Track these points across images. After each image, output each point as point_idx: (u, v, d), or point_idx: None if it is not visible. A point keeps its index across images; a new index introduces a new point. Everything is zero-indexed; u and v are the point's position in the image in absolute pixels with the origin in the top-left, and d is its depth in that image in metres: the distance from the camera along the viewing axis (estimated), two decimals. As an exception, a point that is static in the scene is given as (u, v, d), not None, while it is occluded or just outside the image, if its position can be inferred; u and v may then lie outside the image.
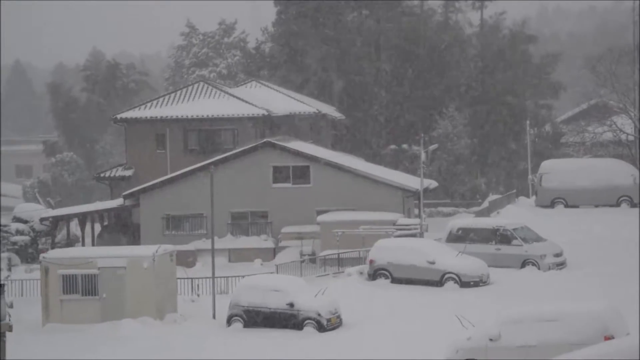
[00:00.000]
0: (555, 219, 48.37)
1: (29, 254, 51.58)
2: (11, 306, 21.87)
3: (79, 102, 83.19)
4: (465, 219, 47.06)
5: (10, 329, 19.58)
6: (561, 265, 40.62)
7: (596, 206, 51.41)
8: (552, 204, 52.10)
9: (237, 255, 48.82)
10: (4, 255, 50.20)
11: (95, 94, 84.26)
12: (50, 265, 36.94)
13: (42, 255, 39.00)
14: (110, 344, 33.26)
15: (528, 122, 64.60)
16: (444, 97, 69.35)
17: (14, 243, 52.12)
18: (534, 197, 55.15)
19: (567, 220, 47.76)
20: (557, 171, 52.42)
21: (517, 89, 70.84)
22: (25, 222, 53.40)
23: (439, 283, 38.53)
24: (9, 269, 48.26)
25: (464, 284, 38.35)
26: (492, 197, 58.49)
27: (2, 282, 22.49)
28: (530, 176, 60.04)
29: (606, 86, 61.82)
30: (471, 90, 70.99)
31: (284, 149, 50.52)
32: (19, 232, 52.81)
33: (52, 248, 47.19)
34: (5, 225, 53.29)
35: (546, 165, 53.52)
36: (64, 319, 36.34)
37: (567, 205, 51.84)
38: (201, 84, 59.86)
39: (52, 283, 36.73)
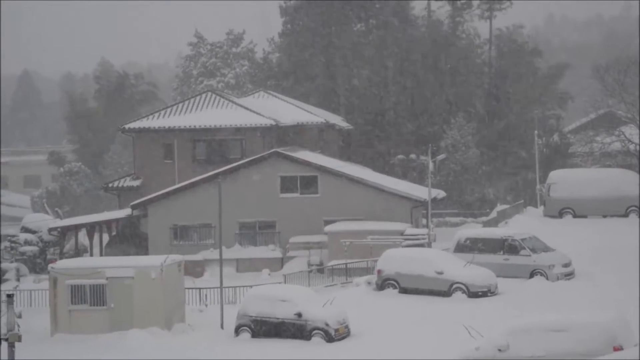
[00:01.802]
0: (564, 229, 48.29)
1: (37, 264, 51.66)
2: (20, 316, 21.90)
3: (91, 112, 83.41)
4: (473, 229, 47.01)
5: (19, 339, 19.60)
6: (569, 275, 40.53)
7: (604, 216, 51.31)
8: (560, 214, 52.02)
9: (245, 265, 48.84)
10: (13, 265, 50.27)
11: (104, 104, 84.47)
12: (59, 276, 36.99)
13: (50, 265, 39.05)
14: (118, 354, 33.27)
15: (536, 132, 64.56)
16: (452, 108, 69.36)
17: (23, 253, 52.20)
18: (542, 207, 55.07)
19: (576, 231, 47.68)
20: (565, 181, 52.35)
21: (525, 99, 70.84)
22: (34, 232, 53.50)
23: (447, 293, 38.47)
24: (18, 279, 48.34)
25: (472, 294, 38.29)
26: (500, 207, 58.43)
27: (10, 293, 22.51)
28: (538, 186, 59.98)
29: (614, 96, 61.74)
30: (479, 101, 70.99)
31: (291, 159, 50.57)
32: (27, 243, 52.90)
33: (61, 258, 47.27)
34: (13, 236, 53.38)
35: (554, 175, 53.45)
36: (73, 329, 36.38)
37: (575, 216, 51.75)
38: (209, 94, 59.96)
39: (61, 293, 36.78)
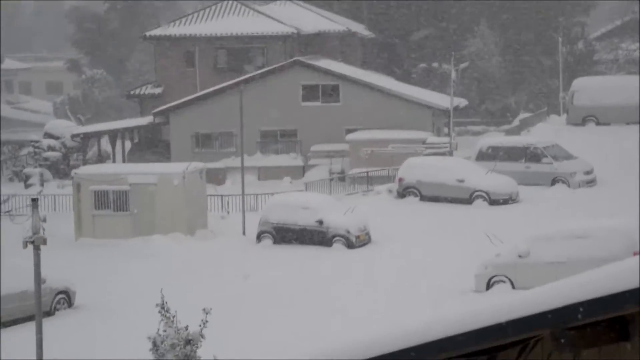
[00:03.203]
0: (586, 136, 48.08)
1: (60, 169, 52.00)
2: (44, 220, 22.15)
3: (105, 21, 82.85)
4: (496, 138, 46.89)
5: (44, 242, 19.87)
6: (591, 182, 40.50)
7: (627, 124, 50.96)
8: (583, 122, 51.73)
9: (267, 173, 49.00)
10: (37, 170, 50.66)
11: (123, 11, 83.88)
12: (82, 181, 37.29)
13: (74, 171, 39.36)
14: (141, 258, 33.70)
15: (560, 39, 63.81)
16: (476, 14, 68.49)
17: (46, 159, 52.51)
18: (565, 115, 54.75)
19: (598, 138, 47.47)
20: (589, 89, 51.90)
21: (549, 5, 69.79)
22: (57, 138, 53.72)
23: (468, 201, 38.57)
24: (42, 184, 48.74)
25: (493, 201, 38.38)
26: (523, 115, 58.11)
27: (35, 197, 22.75)
28: (561, 94, 59.52)
29: (640, 2, 60.73)
30: (503, 8, 70.03)
31: (313, 68, 50.29)
32: (50, 148, 53.17)
33: (84, 164, 47.55)
34: (37, 141, 53.67)
35: (578, 83, 52.99)
36: (96, 234, 36.81)
37: (598, 123, 51.43)
38: (231, 1, 59.39)
39: (84, 199, 37.12)
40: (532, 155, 40.95)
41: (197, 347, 13.03)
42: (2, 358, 23.95)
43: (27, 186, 48.91)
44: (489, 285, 27.17)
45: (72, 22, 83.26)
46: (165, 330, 13.06)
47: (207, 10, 58.43)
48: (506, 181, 39.01)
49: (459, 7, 69.42)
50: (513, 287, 26.78)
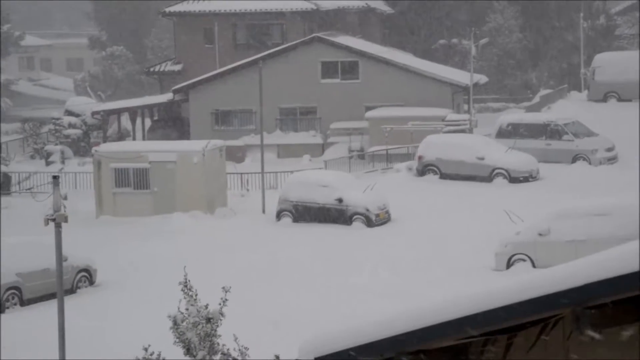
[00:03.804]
0: (608, 113, 47.80)
1: (81, 147, 52.20)
2: (65, 198, 22.25)
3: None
4: (516, 114, 46.68)
5: (65, 219, 19.96)
6: (612, 159, 40.31)
7: (649, 100, 50.62)
8: (604, 98, 51.42)
9: (286, 151, 49.02)
10: (57, 148, 50.86)
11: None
12: (103, 159, 37.43)
13: (94, 148, 39.49)
14: (161, 236, 33.83)
15: (581, 14, 63.34)
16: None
17: (67, 136, 52.71)
18: (586, 92, 54.44)
19: (620, 115, 47.18)
20: (610, 64, 51.57)
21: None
22: (77, 115, 53.89)
23: (488, 179, 38.48)
24: (62, 162, 48.95)
25: (513, 179, 38.27)
26: (543, 91, 57.82)
27: (56, 174, 22.83)
28: (582, 70, 59.17)
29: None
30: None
31: (332, 44, 50.17)
32: (71, 126, 53.36)
33: (104, 142, 47.73)
34: (57, 119, 53.85)
35: (599, 58, 52.65)
36: (117, 212, 36.98)
37: (620, 99, 51.12)
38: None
39: (105, 176, 37.27)
40: (552, 132, 40.76)
41: (217, 326, 13.09)
42: (24, 336, 24.14)
43: (48, 164, 49.14)
44: (509, 264, 27.14)
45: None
46: (187, 309, 13.12)
47: (226, -14, 58.29)
48: (526, 158, 38.87)
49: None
50: (533, 265, 26.73)
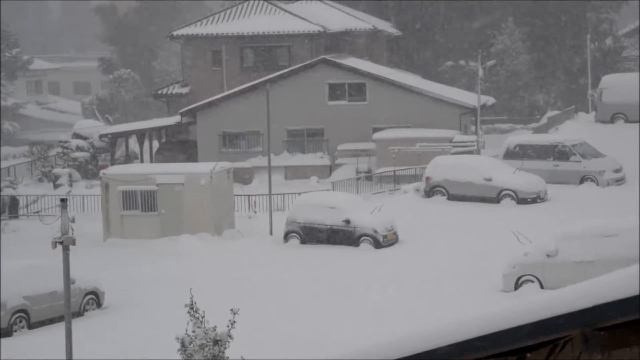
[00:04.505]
0: (615, 134, 47.75)
1: (89, 170, 52.28)
2: (73, 221, 22.27)
3: (133, 21, 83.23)
4: (523, 136, 46.66)
5: (73, 242, 19.96)
6: (620, 181, 40.23)
7: (657, 121, 50.57)
8: (612, 120, 51.38)
9: (293, 173, 49.03)
10: (65, 171, 50.95)
11: (150, 11, 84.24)
12: (110, 181, 37.47)
13: (102, 171, 39.54)
14: (169, 259, 33.81)
15: (589, 36, 63.42)
16: (503, 12, 68.18)
17: (75, 159, 52.80)
18: (593, 113, 54.41)
19: (627, 136, 47.14)
20: (617, 86, 51.55)
21: (578, 2, 69.37)
22: (85, 138, 54.01)
23: (496, 200, 38.42)
24: (70, 185, 49.02)
25: (521, 200, 38.21)
26: (551, 113, 57.80)
27: (64, 197, 22.86)
28: (590, 91, 59.16)
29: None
30: (531, 4, 69.68)
31: (339, 66, 50.27)
32: (79, 149, 53.46)
33: (112, 164, 47.79)
34: (65, 142, 53.96)
35: (607, 80, 52.64)
36: (125, 234, 36.97)
37: (627, 121, 51.07)
38: (257, 0, 59.51)
39: (113, 199, 37.30)
40: (560, 153, 40.72)
41: (225, 348, 13.05)
42: (32, 358, 24.09)
43: (56, 186, 49.21)
44: (517, 285, 27.05)
45: (102, 19, 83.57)
46: (194, 331, 13.09)
47: (234, 9, 58.54)
48: (534, 180, 38.82)
49: (486, 5, 69.16)
50: (542, 286, 26.64)
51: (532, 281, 26.80)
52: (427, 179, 39.86)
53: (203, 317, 13.15)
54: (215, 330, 13.08)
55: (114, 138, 53.20)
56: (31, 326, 27.25)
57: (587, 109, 59.29)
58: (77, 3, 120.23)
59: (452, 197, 39.11)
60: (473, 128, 51.89)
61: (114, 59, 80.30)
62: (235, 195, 39.29)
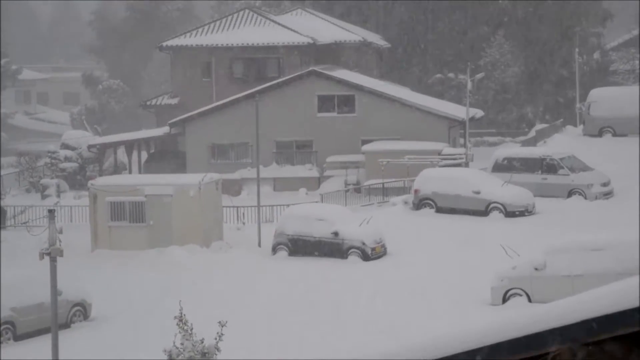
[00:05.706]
0: (603, 148, 47.90)
1: (77, 180, 52.15)
2: (61, 232, 22.20)
3: (126, 28, 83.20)
4: (512, 149, 46.75)
5: (61, 253, 19.90)
6: (608, 194, 40.32)
7: (645, 135, 50.73)
8: (600, 133, 51.53)
9: (282, 184, 49.01)
10: (53, 181, 50.80)
11: (140, 22, 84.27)
12: (99, 192, 37.37)
13: (90, 182, 39.44)
14: (158, 269, 33.71)
15: (577, 50, 63.65)
16: (491, 25, 68.40)
17: (63, 170, 52.68)
18: (581, 126, 54.57)
19: (615, 149, 47.29)
20: (605, 99, 51.72)
21: (565, 16, 69.65)
22: (74, 149, 53.90)
23: (484, 213, 38.46)
24: (58, 195, 48.87)
25: (509, 213, 38.26)
26: (539, 126, 57.94)
27: (52, 208, 22.80)
28: (578, 105, 59.35)
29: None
30: (519, 18, 69.94)
31: (329, 78, 50.32)
32: (67, 159, 53.34)
33: (100, 175, 47.67)
34: (54, 152, 53.82)
35: (595, 93, 52.81)
36: (112, 245, 36.85)
37: (615, 134, 51.24)
38: (247, 11, 59.57)
39: (101, 210, 37.19)
40: (548, 166, 40.80)
41: (212, 360, 13.02)
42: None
43: (43, 197, 49.06)
44: (505, 299, 27.06)
45: (93, 30, 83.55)
46: (182, 343, 13.05)
47: (224, 20, 58.58)
48: (522, 193, 38.87)
49: (475, 18, 69.38)
50: (529, 300, 26.65)
51: (520, 295, 26.81)
52: (416, 191, 39.89)
53: (192, 329, 13.11)
54: (203, 342, 13.05)
55: (103, 149, 53.10)
56: (17, 338, 27.13)
57: (575, 122, 59.46)
58: (67, 13, 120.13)
59: (440, 210, 39.14)
60: (462, 141, 51.97)
61: (100, 70, 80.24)
62: (223, 206, 39.22)
